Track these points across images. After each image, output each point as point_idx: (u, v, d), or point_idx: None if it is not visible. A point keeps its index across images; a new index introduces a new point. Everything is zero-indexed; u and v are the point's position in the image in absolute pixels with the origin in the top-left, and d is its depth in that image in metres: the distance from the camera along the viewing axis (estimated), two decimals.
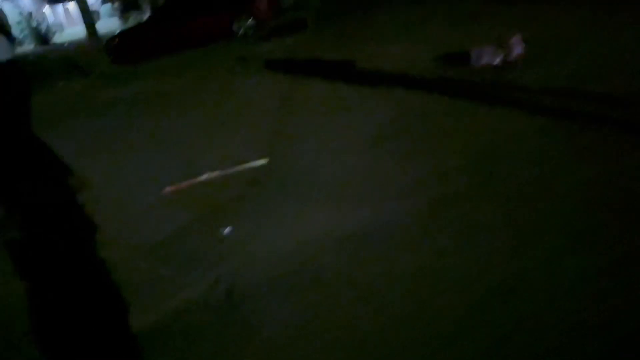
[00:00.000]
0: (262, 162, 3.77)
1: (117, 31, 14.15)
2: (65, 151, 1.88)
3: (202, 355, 2.04)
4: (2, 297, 2.48)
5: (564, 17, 6.24)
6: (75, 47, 19.86)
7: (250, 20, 11.04)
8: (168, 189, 3.62)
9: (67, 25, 34.81)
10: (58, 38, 27.61)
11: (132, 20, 21.39)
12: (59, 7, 35.99)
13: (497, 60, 5.01)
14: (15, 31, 24.39)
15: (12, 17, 24.71)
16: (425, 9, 9.11)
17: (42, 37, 26.12)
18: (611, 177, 2.65)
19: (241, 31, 11.01)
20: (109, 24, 25.37)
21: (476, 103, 4.20)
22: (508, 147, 3.26)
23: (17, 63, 1.61)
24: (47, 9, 33.38)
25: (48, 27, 27.52)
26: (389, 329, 1.94)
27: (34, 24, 26.27)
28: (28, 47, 25.40)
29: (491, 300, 1.96)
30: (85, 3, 19.88)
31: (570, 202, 2.51)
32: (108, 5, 29.56)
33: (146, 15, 18.45)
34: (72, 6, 31.07)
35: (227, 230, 2.91)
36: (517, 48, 5.00)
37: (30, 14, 26.96)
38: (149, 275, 2.64)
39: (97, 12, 29.40)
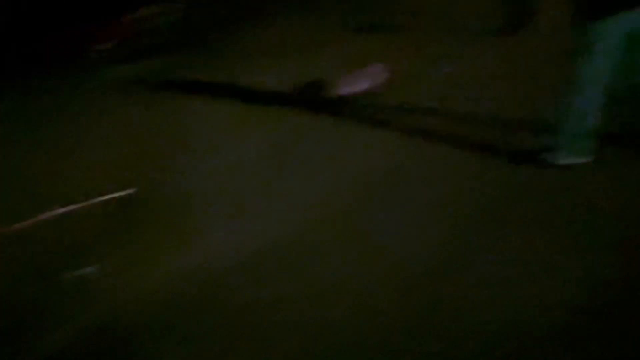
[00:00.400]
0: (128, 192, 3.39)
1: None
2: None
3: None
4: None
5: (425, 45, 6.64)
6: None
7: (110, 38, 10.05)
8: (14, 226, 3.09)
9: None
10: None
11: None
12: None
13: (362, 88, 5.16)
14: None
15: None
16: (283, 35, 9.24)
17: None
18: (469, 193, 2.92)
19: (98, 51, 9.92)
20: None
21: (350, 125, 4.33)
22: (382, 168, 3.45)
23: None
24: None
25: None
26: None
27: None
28: None
29: None
30: None
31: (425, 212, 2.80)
32: None
33: None
34: None
35: (88, 270, 2.52)
36: (381, 75, 5.21)
37: None
38: None
39: None
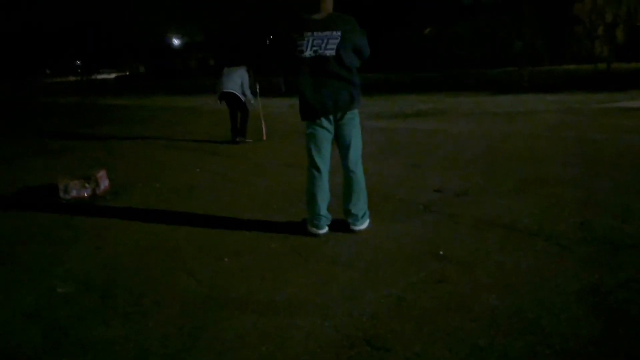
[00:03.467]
0: None
1: None
2: None
3: None
4: None
5: (143, 155, 7.26)
6: None
7: None
8: None
9: None
10: None
11: None
12: None
13: (86, 193, 5.45)
14: None
15: None
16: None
17: None
18: None
19: None
20: None
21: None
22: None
23: None
24: None
25: None
26: None
27: None
28: None
29: None
30: None
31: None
32: None
33: None
34: None
35: None
36: (104, 181, 5.60)
37: None
38: None
39: None
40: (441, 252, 3.53)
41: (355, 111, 3.84)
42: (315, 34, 3.61)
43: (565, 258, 3.33)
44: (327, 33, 3.62)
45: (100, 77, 61.87)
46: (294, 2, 19.19)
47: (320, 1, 3.65)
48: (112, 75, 57.72)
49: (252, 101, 8.94)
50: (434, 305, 2.83)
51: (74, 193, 5.50)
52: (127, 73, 60.55)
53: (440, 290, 3.00)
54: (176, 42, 50.43)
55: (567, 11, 19.05)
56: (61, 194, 5.51)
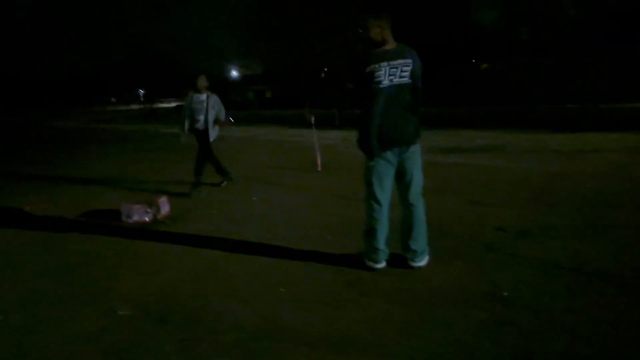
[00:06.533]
0: None
1: None
2: None
3: None
4: None
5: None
6: None
7: None
8: None
9: None
10: None
11: None
12: None
13: (148, 218, 5.59)
14: None
15: None
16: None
17: None
18: None
19: None
20: None
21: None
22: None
23: None
24: None
25: None
26: None
27: None
28: None
29: None
30: None
31: None
32: None
33: None
34: None
35: None
36: (165, 206, 5.75)
37: None
38: None
39: None
40: (505, 294, 3.37)
41: (418, 145, 3.79)
42: (390, 62, 3.61)
43: (638, 305, 3.11)
44: (401, 61, 3.62)
45: (161, 105, 64.44)
46: (351, 38, 19.51)
47: (385, 34, 3.66)
48: (173, 104, 59.91)
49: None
50: (496, 350, 2.69)
51: (136, 217, 5.66)
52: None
53: (504, 334, 2.86)
54: (235, 74, 52.02)
55: (634, 47, 18.44)
56: (123, 218, 5.68)
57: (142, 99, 66.98)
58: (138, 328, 3.14)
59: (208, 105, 7.13)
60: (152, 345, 2.92)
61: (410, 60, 3.63)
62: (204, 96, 7.17)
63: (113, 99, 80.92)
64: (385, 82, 3.61)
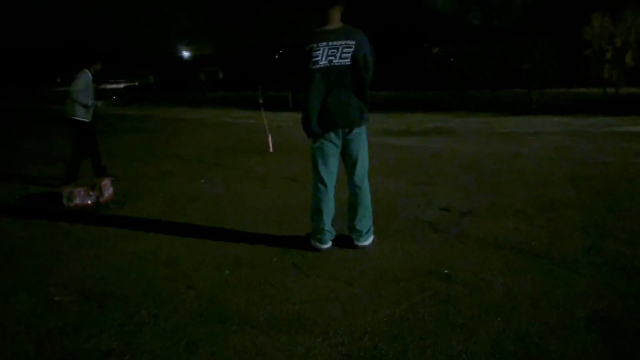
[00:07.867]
0: None
1: None
2: None
3: None
4: None
5: (147, 164, 7.23)
6: None
7: None
8: None
9: None
10: None
11: None
12: None
13: (90, 201, 5.41)
14: None
15: None
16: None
17: None
18: None
19: None
20: None
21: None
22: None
23: None
24: None
25: None
26: None
27: None
28: None
29: None
30: None
31: None
32: None
33: None
34: None
35: None
36: (108, 189, 5.57)
37: None
38: None
39: None
40: (446, 272, 3.45)
41: (363, 127, 3.79)
42: (330, 43, 3.56)
43: (574, 282, 3.24)
44: (342, 42, 3.57)
45: (109, 86, 62.35)
46: (302, 18, 19.35)
47: (330, 13, 3.61)
48: (121, 85, 58.05)
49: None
50: (438, 327, 2.75)
51: (77, 201, 5.47)
52: (137, 83, 60.92)
53: (444, 311, 2.92)
54: (186, 54, 50.88)
55: (577, 34, 19.03)
56: (64, 202, 5.47)
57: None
58: (76, 314, 3.04)
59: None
60: (93, 330, 2.83)
61: (352, 42, 3.58)
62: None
63: (58, 79, 77.66)
64: (323, 63, 3.57)
